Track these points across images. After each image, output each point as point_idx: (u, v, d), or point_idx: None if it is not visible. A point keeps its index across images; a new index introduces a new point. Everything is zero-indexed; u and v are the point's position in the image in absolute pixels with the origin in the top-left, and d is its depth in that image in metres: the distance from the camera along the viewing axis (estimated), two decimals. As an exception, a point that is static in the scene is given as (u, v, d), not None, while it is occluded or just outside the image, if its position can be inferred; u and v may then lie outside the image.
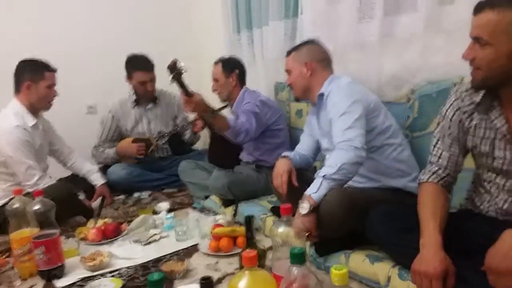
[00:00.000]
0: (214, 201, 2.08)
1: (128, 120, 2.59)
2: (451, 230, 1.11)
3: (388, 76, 1.67)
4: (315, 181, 1.36)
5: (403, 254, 1.13)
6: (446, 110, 1.18)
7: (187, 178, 2.25)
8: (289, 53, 1.70)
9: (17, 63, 2.02)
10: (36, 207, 1.45)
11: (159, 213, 1.98)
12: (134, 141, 2.52)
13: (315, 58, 1.63)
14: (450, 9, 1.46)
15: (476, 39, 1.02)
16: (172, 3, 3.17)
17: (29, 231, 1.46)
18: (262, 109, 2.07)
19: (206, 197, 2.14)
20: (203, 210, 2.10)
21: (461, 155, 1.20)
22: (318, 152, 1.77)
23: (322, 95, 1.59)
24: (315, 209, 1.33)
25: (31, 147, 1.98)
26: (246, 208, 1.88)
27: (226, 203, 1.99)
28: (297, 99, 1.76)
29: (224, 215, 1.87)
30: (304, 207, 1.33)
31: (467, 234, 1.12)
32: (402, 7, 1.63)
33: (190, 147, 2.74)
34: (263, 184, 2.00)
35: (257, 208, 1.86)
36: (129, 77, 2.50)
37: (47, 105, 2.07)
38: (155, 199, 2.32)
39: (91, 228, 1.80)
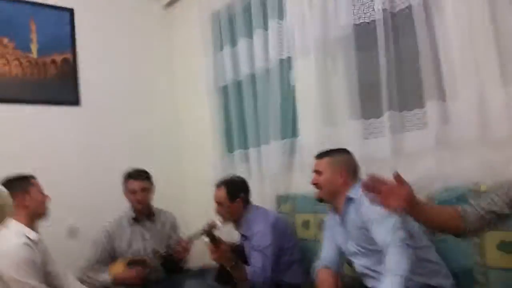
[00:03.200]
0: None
1: (123, 239, 2.48)
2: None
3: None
4: (389, 280, 1.38)
5: None
6: None
7: (196, 300, 2.12)
8: (322, 156, 1.81)
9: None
10: None
11: None
12: (129, 263, 2.38)
13: (348, 168, 1.76)
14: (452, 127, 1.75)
15: None
16: (161, 123, 3.32)
17: None
18: (275, 236, 2.06)
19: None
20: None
21: None
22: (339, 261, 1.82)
23: (350, 198, 1.69)
24: None
25: (35, 266, 1.83)
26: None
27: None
28: (319, 200, 1.82)
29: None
30: None
31: None
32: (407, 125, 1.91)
33: (182, 267, 2.63)
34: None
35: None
36: (124, 188, 2.50)
37: (46, 210, 2.02)
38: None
39: None
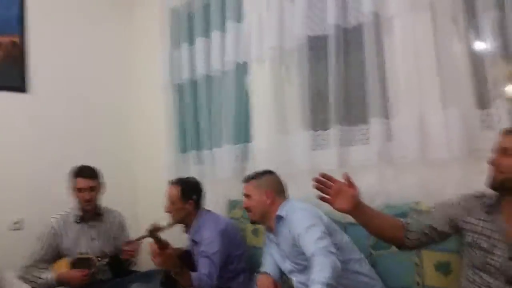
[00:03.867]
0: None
1: (69, 237, 2.36)
2: None
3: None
4: None
5: None
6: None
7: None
8: (248, 179, 1.88)
9: None
10: None
11: None
12: (74, 262, 2.29)
13: (274, 188, 1.83)
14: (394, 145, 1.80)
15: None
16: (114, 116, 3.20)
17: None
18: (223, 243, 2.03)
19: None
20: None
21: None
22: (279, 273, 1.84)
23: (280, 217, 1.74)
24: None
25: None
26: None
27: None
28: (253, 222, 1.90)
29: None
30: None
31: None
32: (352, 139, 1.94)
33: (129, 269, 2.56)
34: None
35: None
36: (71, 186, 2.39)
37: None
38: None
39: None
